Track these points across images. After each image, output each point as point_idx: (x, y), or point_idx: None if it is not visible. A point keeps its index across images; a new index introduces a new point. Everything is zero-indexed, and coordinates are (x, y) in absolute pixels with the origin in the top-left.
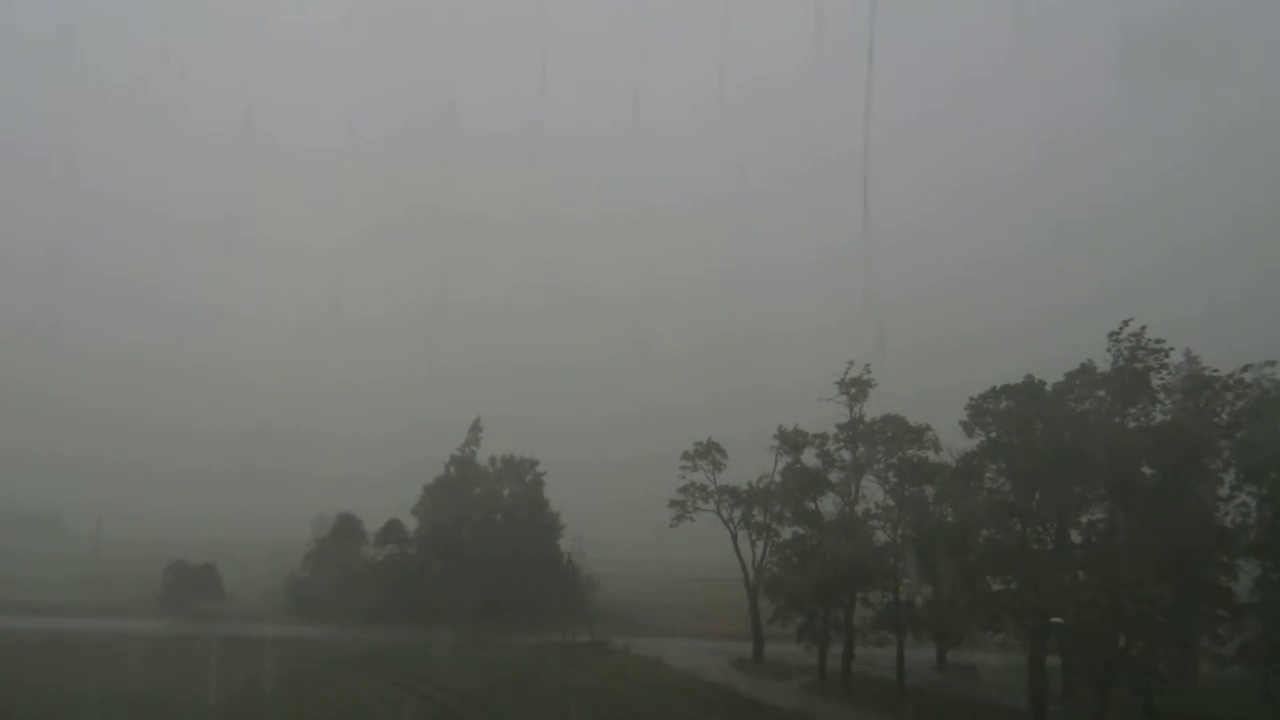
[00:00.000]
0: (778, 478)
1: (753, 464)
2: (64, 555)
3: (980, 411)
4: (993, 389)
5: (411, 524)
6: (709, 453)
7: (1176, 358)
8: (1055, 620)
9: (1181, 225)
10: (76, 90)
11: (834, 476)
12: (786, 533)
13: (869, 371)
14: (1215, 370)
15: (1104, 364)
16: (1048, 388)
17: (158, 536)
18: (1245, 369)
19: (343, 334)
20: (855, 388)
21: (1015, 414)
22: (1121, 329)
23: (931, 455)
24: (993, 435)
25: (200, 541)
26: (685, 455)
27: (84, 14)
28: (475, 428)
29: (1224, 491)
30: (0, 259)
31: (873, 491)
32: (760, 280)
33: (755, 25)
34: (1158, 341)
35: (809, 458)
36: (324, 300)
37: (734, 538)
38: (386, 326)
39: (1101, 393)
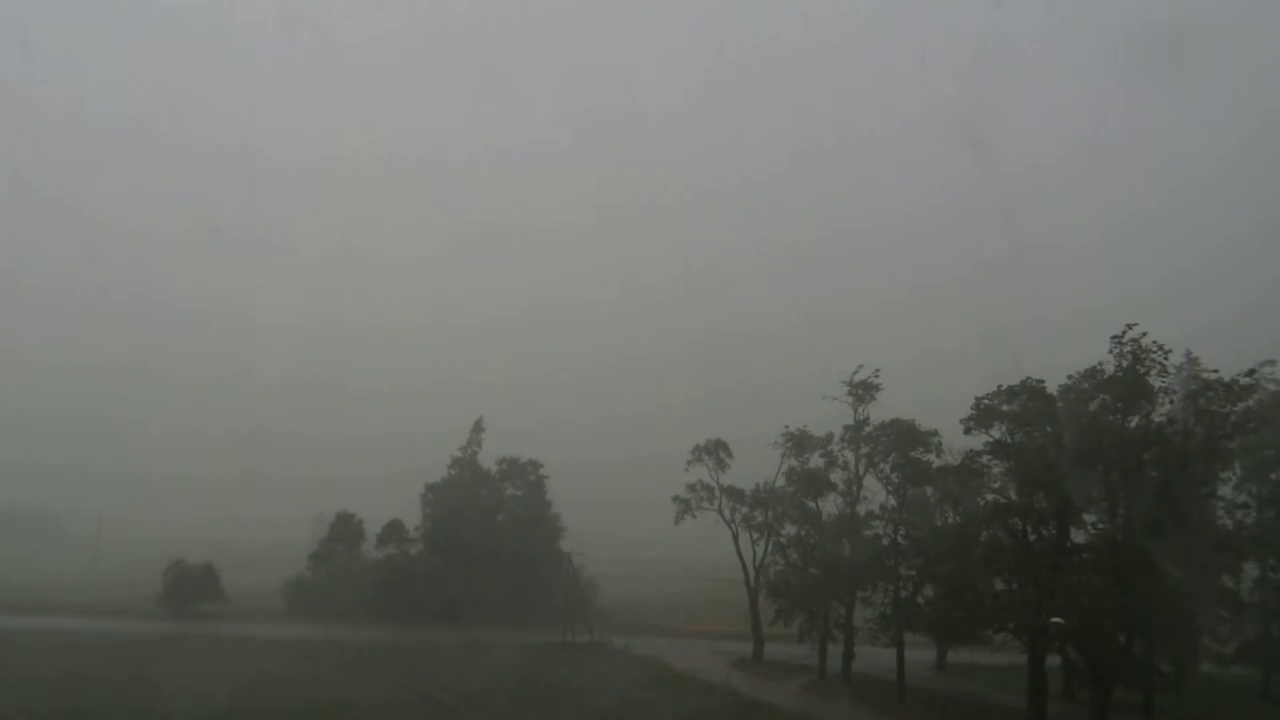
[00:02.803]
0: (781, 478)
1: (753, 464)
2: (64, 557)
3: (986, 411)
4: (998, 389)
5: (413, 524)
6: (715, 451)
7: (1177, 359)
8: (1055, 620)
9: (1193, 231)
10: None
11: (836, 477)
12: (788, 532)
13: (876, 375)
14: (1215, 371)
15: (1107, 367)
16: (1053, 390)
17: (158, 540)
18: (1249, 372)
19: (345, 339)
20: (861, 390)
21: (1020, 414)
22: (1124, 333)
23: (935, 460)
24: (996, 435)
25: (200, 544)
26: (694, 449)
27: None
28: (477, 428)
29: (1225, 492)
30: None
31: (875, 492)
32: (758, 281)
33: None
34: (1158, 345)
35: (812, 458)
36: (328, 305)
37: (735, 537)
38: (390, 331)
39: (1105, 395)
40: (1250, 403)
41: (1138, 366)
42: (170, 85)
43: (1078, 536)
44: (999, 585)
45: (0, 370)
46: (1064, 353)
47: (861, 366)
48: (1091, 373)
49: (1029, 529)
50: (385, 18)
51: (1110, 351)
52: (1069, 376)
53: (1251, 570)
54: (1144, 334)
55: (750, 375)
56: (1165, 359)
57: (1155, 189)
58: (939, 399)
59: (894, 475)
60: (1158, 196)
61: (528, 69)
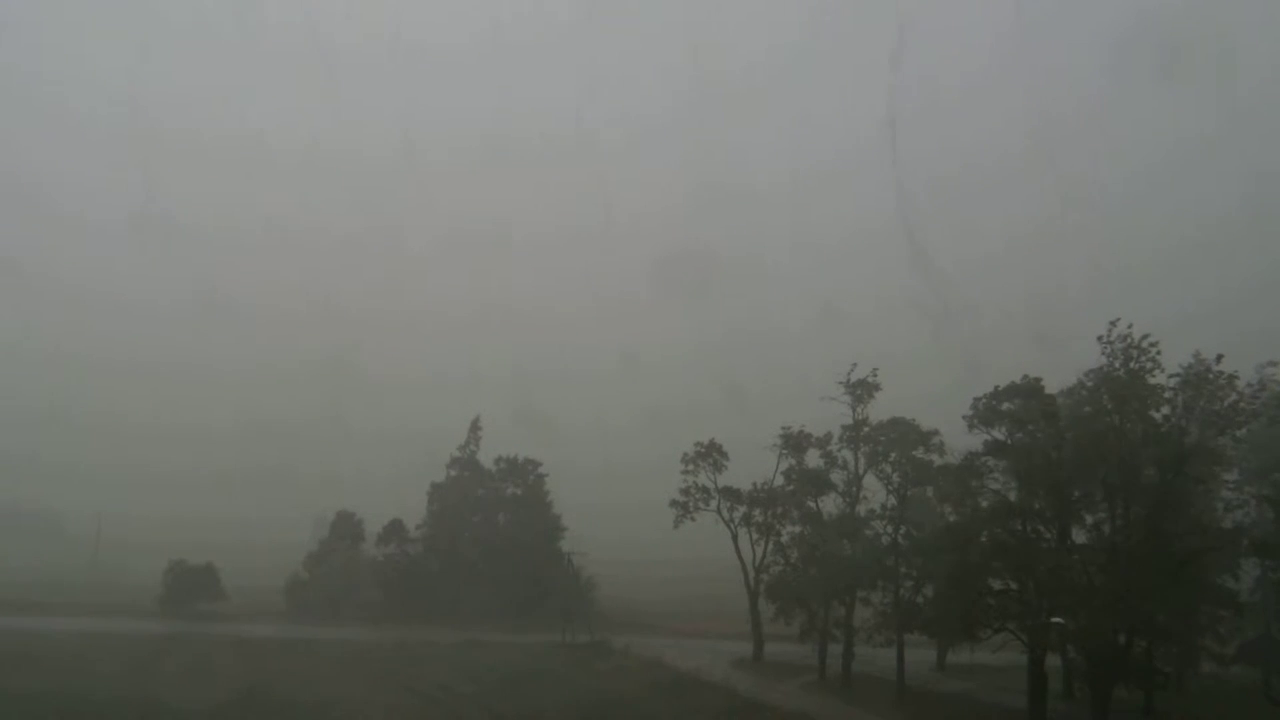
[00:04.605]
0: (779, 479)
1: (754, 465)
2: (64, 556)
3: (986, 410)
4: (996, 388)
5: (413, 523)
6: (710, 454)
7: (1185, 358)
8: (1055, 620)
9: (1179, 219)
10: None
11: (836, 477)
12: (789, 532)
13: (874, 374)
14: (1216, 370)
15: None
16: (1045, 386)
17: (158, 540)
18: (1217, 357)
19: (346, 337)
20: (859, 389)
21: (1020, 414)
22: (1110, 330)
23: (936, 459)
24: (997, 435)
25: (200, 544)
26: (685, 457)
27: None
28: (475, 427)
29: (1225, 492)
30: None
31: (875, 492)
32: (761, 280)
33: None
34: (1147, 339)
35: (811, 458)
36: (328, 302)
37: (734, 538)
38: (390, 325)
39: (1102, 394)
40: (1234, 397)
41: (1130, 364)
42: (175, 80)
43: (1078, 536)
44: (999, 585)
45: (0, 366)
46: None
47: (856, 365)
48: (1095, 372)
49: (1029, 529)
50: (391, 14)
51: (1101, 352)
52: (1080, 375)
53: (1251, 570)
54: (1129, 328)
55: (753, 376)
56: (1156, 355)
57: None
58: (942, 394)
59: (894, 475)
60: (1148, 178)
61: (534, 68)
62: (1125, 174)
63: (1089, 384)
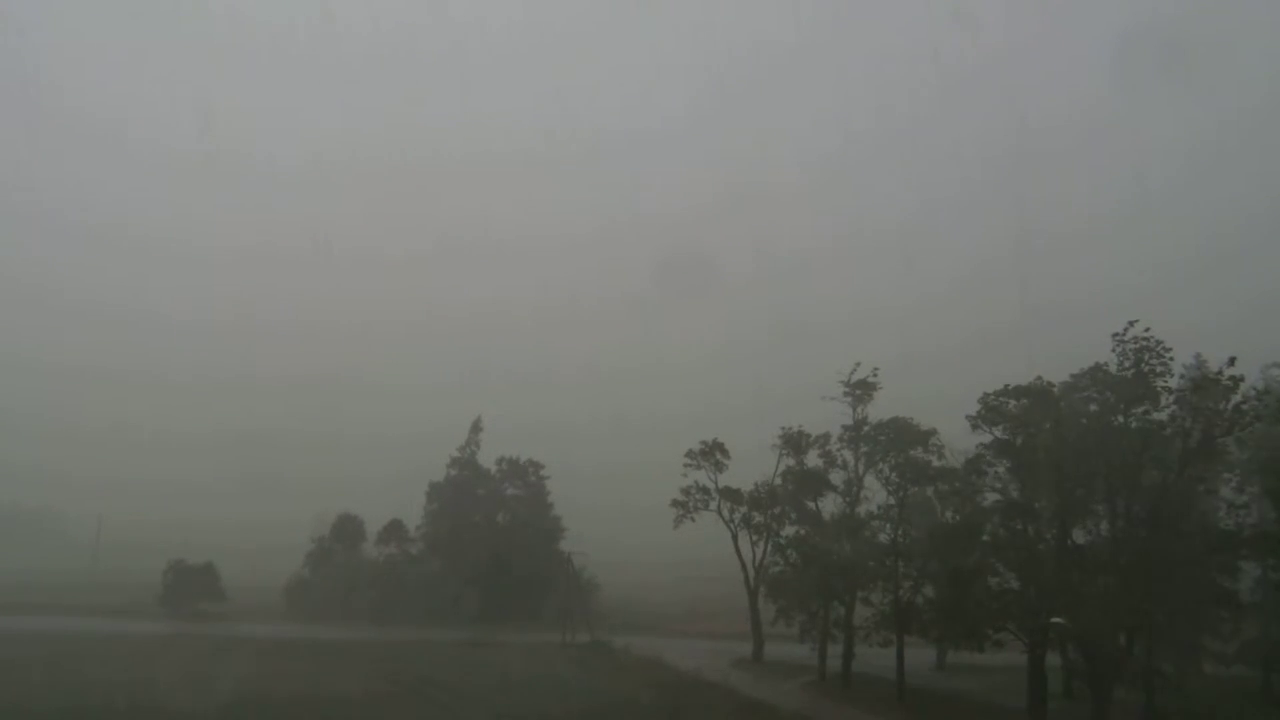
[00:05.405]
0: (778, 479)
1: (755, 465)
2: (64, 557)
3: (989, 409)
4: (1004, 387)
5: (413, 524)
6: (712, 453)
7: (1186, 360)
8: (1056, 620)
9: (1184, 228)
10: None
11: (835, 477)
12: (788, 532)
13: (874, 374)
14: (1219, 372)
15: (1110, 365)
16: (1055, 389)
17: (158, 540)
18: (1230, 360)
19: (345, 339)
20: (860, 389)
21: (1023, 414)
22: (1125, 330)
23: (935, 460)
24: (999, 434)
25: (200, 545)
26: (689, 454)
27: None
28: (475, 428)
29: (1226, 492)
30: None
31: (875, 492)
32: (759, 283)
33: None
34: (1159, 344)
35: (811, 458)
36: (327, 305)
37: (734, 538)
38: (388, 330)
39: (1108, 394)
40: (1239, 398)
41: (1140, 365)
42: (166, 87)
43: (1079, 536)
44: (1000, 584)
45: (1, 371)
46: (1066, 344)
47: (859, 365)
48: (1093, 372)
49: (1030, 528)
50: (386, 21)
51: (1113, 350)
52: (1071, 375)
53: (1251, 570)
54: (1146, 330)
55: (754, 378)
56: (1169, 358)
57: (1151, 179)
58: (943, 395)
59: (893, 475)
60: (1154, 187)
61: (536, 73)
62: (1134, 176)
63: (1082, 384)
